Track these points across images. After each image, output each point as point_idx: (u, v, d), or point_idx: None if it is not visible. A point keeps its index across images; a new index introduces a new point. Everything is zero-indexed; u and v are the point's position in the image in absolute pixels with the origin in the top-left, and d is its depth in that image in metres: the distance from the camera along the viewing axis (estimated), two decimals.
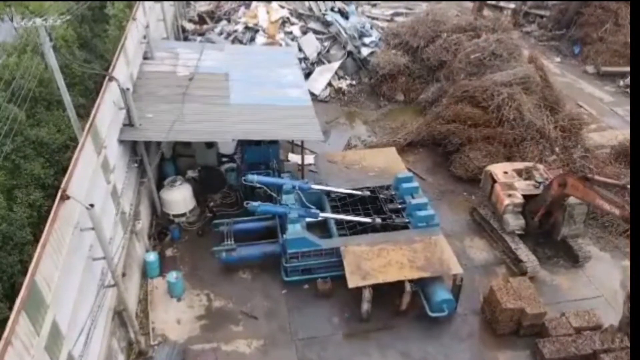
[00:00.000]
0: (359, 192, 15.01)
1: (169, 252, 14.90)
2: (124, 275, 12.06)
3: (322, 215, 13.79)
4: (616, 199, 11.53)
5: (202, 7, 30.56)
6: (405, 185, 14.88)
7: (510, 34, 21.94)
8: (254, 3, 27.84)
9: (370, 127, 21.51)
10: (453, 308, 12.63)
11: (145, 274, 13.94)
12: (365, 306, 12.48)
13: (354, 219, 14.03)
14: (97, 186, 11.05)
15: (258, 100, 16.45)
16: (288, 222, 13.11)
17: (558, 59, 27.03)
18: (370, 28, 26.36)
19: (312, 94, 23.07)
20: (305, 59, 24.71)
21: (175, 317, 12.93)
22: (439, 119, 18.69)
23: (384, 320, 12.84)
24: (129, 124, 13.95)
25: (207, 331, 12.64)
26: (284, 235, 13.05)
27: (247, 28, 26.65)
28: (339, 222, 14.25)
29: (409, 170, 18.46)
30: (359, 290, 12.30)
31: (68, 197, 8.92)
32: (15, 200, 11.32)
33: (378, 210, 14.58)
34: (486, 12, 28.36)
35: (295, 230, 13.02)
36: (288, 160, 18.64)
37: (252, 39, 26.15)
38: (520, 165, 15.98)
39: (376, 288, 12.37)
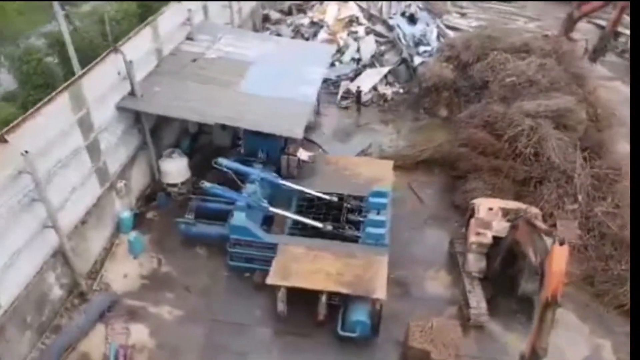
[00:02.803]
0: (327, 197, 14.89)
1: (149, 215, 16.29)
2: (83, 222, 13.67)
3: (273, 210, 14.01)
4: (544, 247, 10.04)
5: None
6: (374, 199, 14.40)
7: (576, 61, 19.53)
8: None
9: (397, 137, 20.82)
10: (367, 332, 12.08)
11: (119, 229, 15.46)
12: (280, 306, 12.52)
13: (304, 221, 14.02)
14: (67, 138, 12.61)
15: (264, 91, 16.98)
16: (235, 209, 13.59)
17: None
18: (436, 37, 25.32)
19: (353, 96, 23.20)
20: (359, 60, 24.64)
21: (124, 271, 14.26)
22: (454, 141, 17.53)
23: (302, 326, 12.72)
24: (131, 93, 15.47)
25: (144, 290, 13.76)
26: (229, 221, 13.57)
27: (313, 23, 27.29)
28: (295, 222, 14.35)
29: (410, 188, 17.79)
30: (293, 290, 12.28)
31: (6, 141, 10.47)
32: None
33: (338, 218, 14.35)
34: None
35: (239, 217, 13.47)
36: (295, 155, 18.93)
37: (315, 34, 26.76)
38: (513, 204, 14.41)
39: (308, 294, 12.24)
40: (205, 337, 12.55)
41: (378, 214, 13.99)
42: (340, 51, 25.91)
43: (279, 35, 26.96)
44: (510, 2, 34.13)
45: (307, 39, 26.82)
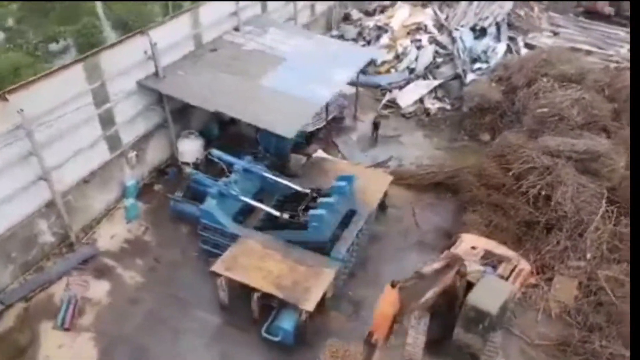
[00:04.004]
0: (306, 191, 14.70)
1: (156, 187, 17.65)
2: (86, 182, 15.34)
3: (242, 198, 14.33)
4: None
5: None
6: (338, 182, 14.04)
7: None
8: (399, 2, 27.60)
9: (424, 155, 19.86)
10: (290, 340, 12.00)
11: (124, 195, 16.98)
12: (221, 295, 12.95)
13: (265, 209, 14.16)
14: (76, 105, 14.22)
15: (280, 87, 17.31)
16: (208, 195, 14.22)
17: None
18: (502, 55, 23.49)
19: (396, 106, 22.58)
20: (413, 69, 23.86)
21: (113, 232, 15.72)
22: (465, 167, 16.34)
23: (242, 320, 12.95)
24: (155, 73, 16.82)
25: (121, 253, 15.08)
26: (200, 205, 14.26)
27: (378, 27, 26.86)
28: (266, 215, 14.55)
29: (412, 209, 17.03)
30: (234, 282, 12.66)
31: (6, 99, 12.20)
32: None
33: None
34: None
35: (209, 203, 14.08)
36: (309, 155, 19.03)
37: (378, 38, 26.36)
38: (501, 250, 13.11)
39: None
40: (153, 307, 13.43)
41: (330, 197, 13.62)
42: (398, 58, 25.28)
43: (341, 36, 27.06)
44: (622, 27, 30.19)
45: (368, 42, 26.53)
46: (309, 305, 11.88)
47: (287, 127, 15.32)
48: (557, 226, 14.29)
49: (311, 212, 13.11)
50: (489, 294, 10.94)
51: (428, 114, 22.20)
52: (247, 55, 19.19)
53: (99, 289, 13.87)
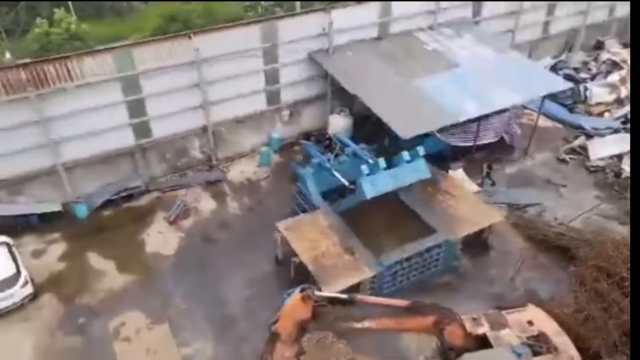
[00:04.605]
0: None
1: (296, 148, 19.65)
2: (239, 121, 18.39)
3: (335, 173, 14.91)
4: None
5: None
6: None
7: None
8: None
9: (577, 215, 16.65)
10: None
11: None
12: (277, 250, 14.22)
13: (340, 178, 14.67)
14: (247, 58, 17.09)
15: (431, 92, 17.00)
16: (310, 164, 15.51)
17: None
18: None
19: (584, 154, 19.35)
20: (619, 117, 19.86)
21: (243, 169, 18.55)
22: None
23: (280, 278, 13.97)
24: (326, 49, 18.53)
25: (239, 187, 17.73)
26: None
27: (613, 63, 22.78)
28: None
29: (518, 264, 15.05)
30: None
31: (190, 38, 15.67)
32: None
33: None
34: None
35: (306, 171, 15.28)
36: (446, 169, 18.09)
37: (607, 74, 22.51)
38: (563, 340, 10.63)
39: None
40: (231, 237, 15.60)
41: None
42: (620, 102, 21.18)
43: (561, 62, 23.92)
44: None
45: (593, 77, 22.81)
46: (328, 289, 12.10)
47: (406, 128, 15.14)
48: None
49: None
50: None
51: (618, 175, 18.26)
52: (422, 54, 19.19)
53: (207, 206, 16.82)
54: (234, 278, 14.21)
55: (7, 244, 13.89)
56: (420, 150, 13.98)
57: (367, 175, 13.39)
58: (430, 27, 20.67)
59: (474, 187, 17.68)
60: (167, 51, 15.68)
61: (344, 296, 8.46)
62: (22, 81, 13.87)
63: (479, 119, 17.30)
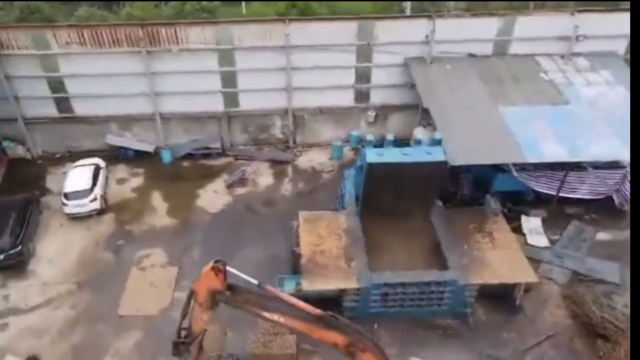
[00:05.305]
0: None
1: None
2: (322, 112, 19.04)
3: None
4: None
5: None
6: None
7: None
8: None
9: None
10: None
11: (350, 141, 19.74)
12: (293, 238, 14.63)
13: None
14: (339, 52, 17.46)
15: (511, 124, 15.24)
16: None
17: None
18: None
19: None
20: None
21: (314, 157, 19.21)
22: None
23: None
24: (425, 58, 17.79)
25: (301, 172, 18.50)
26: None
27: None
28: None
29: (546, 338, 13.10)
30: None
31: (285, 23, 16.71)
32: None
33: None
34: None
35: (349, 172, 15.34)
36: (518, 212, 16.13)
37: None
38: None
39: None
40: (270, 214, 16.58)
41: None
42: None
43: None
44: None
45: None
46: (307, 285, 12.23)
47: (459, 155, 13.88)
48: None
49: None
50: None
51: None
52: (533, 82, 17.15)
53: (264, 181, 18.00)
54: (252, 250, 15.12)
55: (97, 166, 17.08)
56: (438, 135, 13.84)
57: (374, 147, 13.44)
58: (562, 56, 18.15)
59: (543, 241, 15.37)
60: (263, 32, 17.01)
61: (254, 281, 8.55)
62: (139, 37, 16.64)
63: (563, 166, 14.86)
